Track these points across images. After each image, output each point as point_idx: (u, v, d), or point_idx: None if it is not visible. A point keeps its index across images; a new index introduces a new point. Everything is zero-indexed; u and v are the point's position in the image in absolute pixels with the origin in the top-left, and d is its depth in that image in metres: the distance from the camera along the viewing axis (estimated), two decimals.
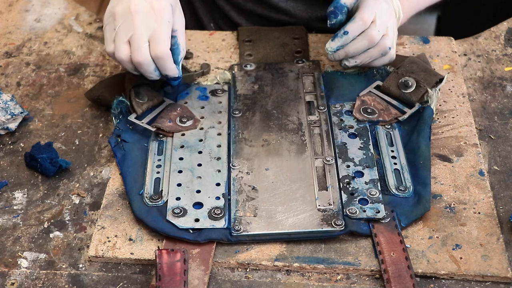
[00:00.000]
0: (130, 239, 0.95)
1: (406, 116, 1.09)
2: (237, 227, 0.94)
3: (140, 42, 1.03)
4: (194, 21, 1.45)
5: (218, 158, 1.04)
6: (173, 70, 1.07)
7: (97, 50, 1.27)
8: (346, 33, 1.11)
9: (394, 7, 1.16)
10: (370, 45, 1.12)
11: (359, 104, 1.12)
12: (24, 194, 1.02)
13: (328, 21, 1.13)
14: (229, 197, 0.98)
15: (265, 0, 1.36)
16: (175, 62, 1.07)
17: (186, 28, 1.13)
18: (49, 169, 1.04)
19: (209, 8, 1.43)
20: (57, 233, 0.97)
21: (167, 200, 0.98)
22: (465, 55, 1.25)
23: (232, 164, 1.03)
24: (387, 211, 0.96)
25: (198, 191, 0.99)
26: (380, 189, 0.99)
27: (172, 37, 1.07)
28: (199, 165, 1.03)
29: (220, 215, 0.96)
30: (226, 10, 1.40)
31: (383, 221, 0.95)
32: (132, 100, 1.10)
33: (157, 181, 1.01)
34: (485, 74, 1.21)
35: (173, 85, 1.13)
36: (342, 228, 0.94)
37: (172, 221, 0.95)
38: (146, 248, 0.94)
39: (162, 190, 0.99)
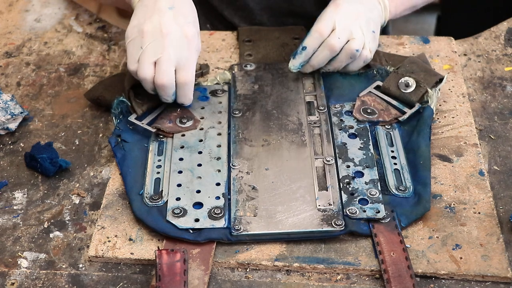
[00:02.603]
0: (130, 239, 0.95)
1: (406, 116, 1.09)
2: (237, 226, 0.94)
3: (168, 65, 1.03)
4: None
5: (218, 158, 1.04)
6: (190, 100, 1.08)
7: (97, 50, 1.27)
8: (304, 48, 1.12)
9: (371, 5, 1.15)
10: (332, 54, 1.12)
11: (359, 104, 1.12)
12: (24, 194, 1.02)
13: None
14: (229, 197, 0.98)
15: None
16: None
17: None
18: (49, 169, 1.04)
19: (204, 10, 1.43)
20: (57, 233, 0.97)
21: (167, 200, 0.98)
22: (465, 55, 1.25)
23: (232, 164, 1.03)
24: (387, 211, 0.96)
25: (198, 191, 0.99)
26: (380, 189, 0.99)
27: None
28: (199, 165, 1.03)
29: (220, 215, 0.96)
30: (220, 10, 1.40)
31: (383, 221, 0.95)
32: (132, 101, 1.10)
33: (157, 181, 1.01)
34: (485, 74, 1.21)
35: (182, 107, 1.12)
36: (342, 228, 0.94)
37: (172, 221, 0.95)
38: (146, 248, 0.94)
39: (162, 190, 0.99)
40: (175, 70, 1.04)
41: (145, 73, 1.04)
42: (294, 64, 1.14)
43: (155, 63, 1.04)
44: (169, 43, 1.03)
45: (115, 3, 1.19)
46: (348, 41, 1.11)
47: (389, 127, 1.09)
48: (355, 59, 1.14)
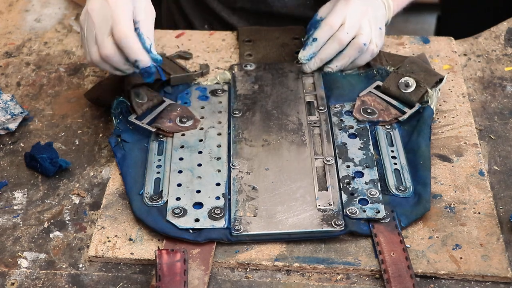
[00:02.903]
0: (130, 239, 0.95)
1: (406, 116, 1.09)
2: (237, 227, 0.94)
3: (102, 37, 1.01)
4: (186, 26, 1.45)
5: (218, 158, 1.04)
6: (141, 54, 1.02)
7: None
8: (315, 40, 1.16)
9: (377, 4, 1.18)
10: (340, 48, 1.16)
11: (359, 104, 1.12)
12: (24, 194, 1.02)
13: (303, 39, 1.20)
14: (229, 197, 0.98)
15: None
16: (145, 49, 1.02)
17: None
18: (49, 169, 1.04)
19: (201, 11, 1.43)
20: (57, 233, 0.97)
21: (167, 200, 0.98)
22: (465, 55, 1.25)
23: (232, 164, 1.03)
24: (387, 211, 0.96)
25: (198, 191, 0.99)
26: (380, 189, 0.99)
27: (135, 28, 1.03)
28: (199, 165, 1.03)
29: (220, 215, 0.96)
30: (218, 11, 1.40)
31: (383, 221, 0.95)
32: (132, 101, 1.10)
33: (157, 181, 1.01)
34: (485, 74, 1.21)
35: (148, 80, 1.06)
36: (342, 228, 0.94)
37: (172, 221, 0.95)
38: (146, 248, 0.94)
39: (162, 190, 0.99)
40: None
41: (94, 56, 1.02)
42: (304, 55, 1.17)
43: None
44: (96, 16, 1.01)
45: None
46: (357, 35, 1.14)
47: (389, 127, 1.09)
48: (363, 53, 1.16)
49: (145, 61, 1.02)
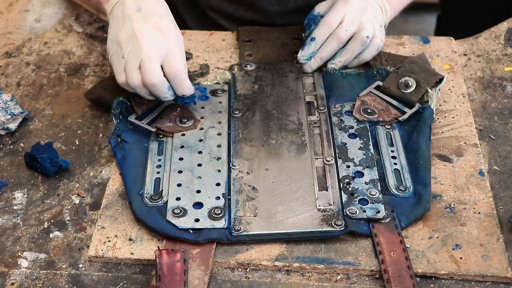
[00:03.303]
0: (130, 239, 0.95)
1: (406, 116, 1.09)
2: (237, 227, 0.94)
3: (151, 64, 1.03)
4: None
5: (218, 158, 1.04)
6: (189, 88, 1.06)
7: (97, 50, 1.27)
8: (313, 39, 1.16)
9: (376, 1, 1.18)
10: (340, 45, 1.16)
11: (359, 104, 1.12)
12: (24, 194, 1.02)
13: (303, 34, 1.20)
14: (229, 197, 0.98)
15: (256, 8, 1.37)
16: None
17: None
18: (49, 169, 1.04)
19: (199, 19, 1.43)
20: (57, 233, 0.97)
21: (167, 200, 0.98)
22: (465, 55, 1.25)
23: (232, 164, 1.03)
24: (387, 211, 0.96)
25: (198, 191, 0.99)
26: (380, 189, 0.99)
27: None
28: (199, 165, 1.03)
29: (220, 215, 0.96)
30: (217, 19, 1.40)
31: (383, 221, 0.95)
32: (132, 101, 1.10)
33: (157, 181, 1.01)
34: (485, 74, 1.21)
35: (189, 103, 1.10)
36: (342, 228, 0.94)
37: (172, 221, 0.95)
38: (146, 248, 0.94)
39: (162, 190, 0.99)
40: (162, 66, 1.04)
41: (134, 80, 1.04)
42: (303, 55, 1.17)
43: (140, 67, 1.04)
44: (145, 42, 1.03)
45: (95, 11, 1.21)
46: (358, 31, 1.15)
47: (389, 127, 1.09)
48: (367, 46, 1.16)
49: (190, 92, 1.07)
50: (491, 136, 1.10)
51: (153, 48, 1.03)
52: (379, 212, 0.96)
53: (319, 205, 0.97)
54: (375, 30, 1.16)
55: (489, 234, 0.95)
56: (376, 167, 1.02)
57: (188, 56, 1.23)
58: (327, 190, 0.99)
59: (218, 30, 1.36)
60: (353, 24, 1.14)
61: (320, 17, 1.18)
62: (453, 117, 1.12)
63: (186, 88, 1.06)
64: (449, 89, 1.17)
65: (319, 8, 1.20)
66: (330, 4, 1.19)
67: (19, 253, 0.95)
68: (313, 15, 1.20)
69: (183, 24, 1.44)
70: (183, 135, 1.08)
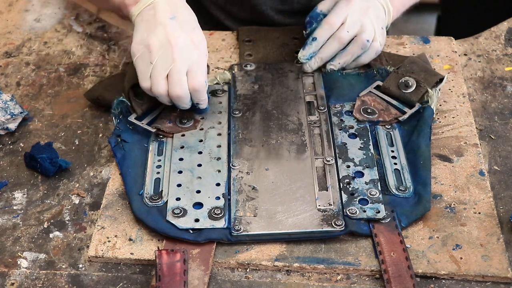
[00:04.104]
0: (130, 239, 0.95)
1: (406, 116, 1.09)
2: (237, 227, 0.94)
3: (180, 75, 1.02)
4: None
5: (218, 158, 1.04)
6: (206, 102, 1.07)
7: (97, 50, 1.27)
8: (314, 39, 1.16)
9: (379, 1, 1.18)
10: (341, 46, 1.16)
11: (359, 104, 1.12)
12: (24, 194, 1.02)
13: (304, 32, 1.19)
14: (229, 197, 0.98)
15: (258, 10, 1.37)
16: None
17: None
18: (49, 169, 1.03)
19: (203, 19, 1.42)
20: (57, 233, 0.97)
21: (167, 200, 0.98)
22: (465, 55, 1.25)
23: (232, 164, 1.03)
24: (387, 211, 0.96)
25: (198, 191, 0.99)
26: (380, 189, 0.99)
27: None
28: (199, 165, 1.03)
29: (220, 215, 0.95)
30: (221, 19, 1.40)
31: (383, 221, 0.95)
32: (132, 101, 1.10)
33: (157, 181, 1.01)
34: (486, 74, 1.21)
35: (201, 112, 1.11)
36: (342, 228, 0.94)
37: (172, 221, 0.95)
38: (146, 248, 0.94)
39: (162, 190, 0.99)
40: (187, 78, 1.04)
41: (159, 89, 1.03)
42: (304, 55, 1.17)
43: (167, 75, 1.03)
44: (178, 52, 1.02)
45: (114, 11, 1.19)
46: (359, 33, 1.14)
47: (389, 127, 1.09)
48: (366, 50, 1.16)
49: (205, 106, 1.08)
50: (491, 136, 1.10)
51: (184, 60, 1.02)
52: (379, 212, 0.96)
53: (319, 205, 0.97)
54: (376, 33, 1.15)
55: (489, 234, 0.95)
56: (376, 167, 1.02)
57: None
58: (327, 190, 0.99)
59: (222, 29, 1.36)
60: (355, 25, 1.14)
61: (322, 15, 1.18)
62: (453, 117, 1.12)
63: (203, 103, 1.07)
64: (449, 89, 1.17)
65: (321, 6, 1.20)
66: (332, 3, 1.18)
67: (19, 253, 0.95)
68: (316, 13, 1.19)
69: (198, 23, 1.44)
70: (183, 135, 1.08)
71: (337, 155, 1.04)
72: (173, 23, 1.04)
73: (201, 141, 1.07)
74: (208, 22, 1.42)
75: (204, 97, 1.06)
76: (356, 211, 0.96)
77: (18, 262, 0.94)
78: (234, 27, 1.39)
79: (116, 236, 0.95)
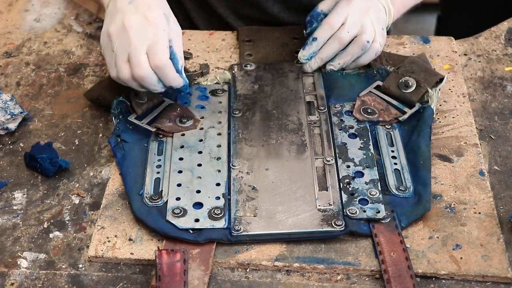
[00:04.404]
0: (130, 239, 0.95)
1: (406, 116, 1.09)
2: (237, 227, 0.94)
3: (138, 57, 1.02)
4: (189, 29, 1.45)
5: (218, 158, 1.04)
6: (176, 79, 1.05)
7: (97, 50, 1.27)
8: (315, 39, 1.16)
9: (380, 2, 1.18)
10: (341, 47, 1.15)
11: (359, 104, 1.12)
12: (24, 194, 1.02)
13: (304, 31, 1.19)
14: (229, 197, 0.98)
15: (262, 7, 1.37)
16: (176, 71, 1.05)
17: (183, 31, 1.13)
18: (49, 169, 1.03)
19: (206, 15, 1.43)
20: (57, 233, 0.97)
21: (167, 200, 0.98)
22: (465, 55, 1.25)
23: (232, 164, 1.03)
24: (387, 211, 0.96)
25: (198, 191, 0.99)
26: (380, 189, 0.99)
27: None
28: (199, 165, 1.03)
29: (220, 215, 0.95)
30: (224, 16, 1.40)
31: (383, 221, 0.95)
32: (132, 101, 1.10)
33: (157, 181, 1.01)
34: (486, 74, 1.21)
35: (184, 94, 1.10)
36: (342, 228, 0.94)
37: (172, 221, 0.95)
38: (146, 248, 0.94)
39: (162, 190, 0.99)
40: (148, 58, 1.03)
41: (124, 74, 1.03)
42: (304, 55, 1.17)
43: (128, 59, 1.03)
44: (133, 34, 1.02)
45: (101, 4, 1.20)
46: (359, 34, 1.14)
47: (389, 127, 1.09)
48: (366, 51, 1.15)
49: (179, 84, 1.05)
50: (492, 136, 1.10)
51: (140, 40, 1.02)
52: (379, 212, 0.96)
53: (319, 205, 0.97)
54: (376, 34, 1.15)
55: (490, 234, 0.95)
56: (376, 167, 1.02)
57: (188, 56, 1.23)
58: (327, 190, 0.99)
59: (226, 28, 1.35)
60: (355, 25, 1.14)
61: (323, 15, 1.18)
62: (453, 117, 1.12)
63: (173, 79, 1.04)
64: (449, 89, 1.17)
65: (322, 6, 1.19)
66: (333, 2, 1.18)
67: (19, 253, 0.95)
68: (316, 13, 1.19)
69: (190, 22, 1.44)
70: (183, 135, 1.08)
71: (337, 155, 1.04)
72: (129, 7, 1.04)
73: (201, 140, 1.07)
74: (211, 19, 1.42)
75: (172, 74, 1.04)
76: (356, 211, 0.96)
77: (18, 262, 0.94)
78: (238, 24, 1.38)
79: (116, 236, 0.95)
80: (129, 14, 1.03)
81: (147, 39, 1.02)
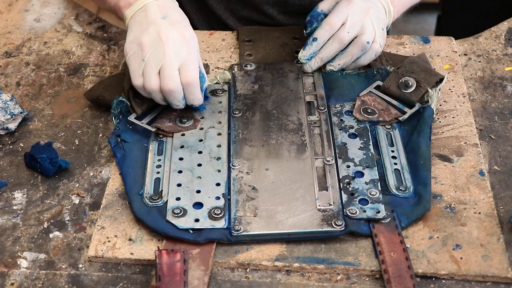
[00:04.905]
0: (130, 239, 0.95)
1: (406, 116, 1.09)
2: (237, 227, 0.94)
3: (171, 70, 1.03)
4: None
5: (218, 158, 1.04)
6: (200, 100, 1.07)
7: (97, 50, 1.27)
8: (315, 39, 1.16)
9: (381, 2, 1.18)
10: (341, 47, 1.16)
11: (359, 104, 1.12)
12: (24, 194, 1.02)
13: (304, 31, 1.20)
14: (229, 197, 0.98)
15: (261, 9, 1.37)
16: (200, 89, 1.07)
17: None
18: (49, 169, 1.03)
19: (206, 17, 1.43)
20: (57, 233, 0.97)
21: (167, 200, 0.98)
22: (465, 55, 1.25)
23: (232, 164, 1.03)
24: (387, 211, 0.96)
25: (198, 191, 0.99)
26: (380, 189, 0.99)
27: None
28: (199, 165, 1.03)
29: (220, 215, 0.95)
30: (224, 18, 1.40)
31: (383, 221, 0.95)
32: (132, 100, 1.10)
33: (157, 181, 1.01)
34: (486, 74, 1.21)
35: (197, 111, 1.11)
36: (342, 228, 0.94)
37: (172, 221, 0.95)
38: (146, 248, 0.94)
39: (162, 190, 0.99)
40: (179, 74, 1.04)
41: (151, 85, 1.04)
42: (304, 55, 1.17)
43: (159, 72, 1.04)
44: (169, 47, 1.03)
45: (112, 12, 1.21)
46: (359, 34, 1.14)
47: (389, 127, 1.09)
48: (366, 51, 1.15)
49: (199, 103, 1.08)
50: (492, 136, 1.10)
51: (175, 54, 1.04)
52: (379, 212, 0.96)
53: (319, 205, 0.97)
54: (376, 34, 1.15)
55: (490, 234, 0.95)
56: (376, 167, 1.02)
57: (205, 69, 1.21)
58: (327, 190, 0.99)
59: (224, 28, 1.35)
60: (356, 26, 1.14)
61: (323, 15, 1.18)
62: (453, 117, 1.12)
63: (197, 99, 1.07)
64: (450, 89, 1.17)
65: (322, 6, 1.20)
66: (333, 2, 1.18)
67: (18, 253, 0.95)
68: (316, 13, 1.19)
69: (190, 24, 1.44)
70: (183, 135, 1.08)
71: (337, 155, 1.04)
72: (164, 22, 1.06)
73: (201, 140, 1.07)
74: (210, 20, 1.42)
75: (198, 93, 1.06)
76: (356, 211, 0.96)
77: (18, 262, 0.94)
78: (237, 26, 1.39)
79: (116, 236, 0.95)
80: (165, 28, 1.05)
81: (182, 56, 1.04)
